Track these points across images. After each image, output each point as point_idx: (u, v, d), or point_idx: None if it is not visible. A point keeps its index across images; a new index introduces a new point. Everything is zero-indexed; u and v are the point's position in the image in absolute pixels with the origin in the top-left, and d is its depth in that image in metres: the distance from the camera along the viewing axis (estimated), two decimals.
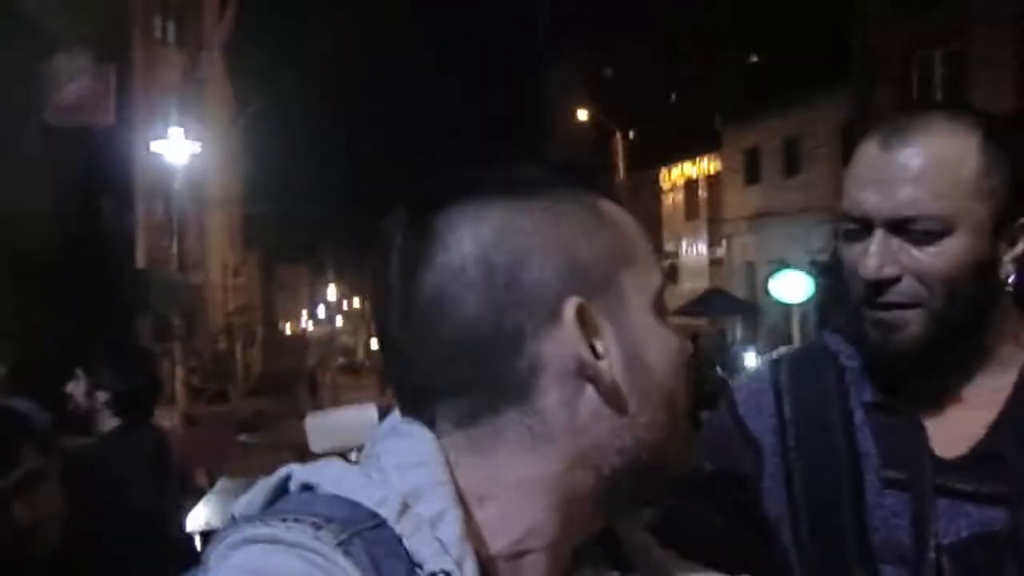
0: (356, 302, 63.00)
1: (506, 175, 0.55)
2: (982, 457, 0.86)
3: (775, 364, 0.99)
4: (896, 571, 0.86)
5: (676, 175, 24.12)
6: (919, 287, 0.84)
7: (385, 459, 0.52)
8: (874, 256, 0.84)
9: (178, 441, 3.63)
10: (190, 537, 3.64)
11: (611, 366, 0.52)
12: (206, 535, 3.85)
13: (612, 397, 0.52)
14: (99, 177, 11.22)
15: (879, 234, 0.85)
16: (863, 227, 0.86)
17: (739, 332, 19.04)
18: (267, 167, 29.67)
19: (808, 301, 15.24)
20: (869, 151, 0.87)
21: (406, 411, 0.54)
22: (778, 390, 0.95)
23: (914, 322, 0.85)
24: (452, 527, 0.49)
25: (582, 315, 0.51)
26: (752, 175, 19.46)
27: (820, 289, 14.67)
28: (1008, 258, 0.86)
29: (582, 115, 27.15)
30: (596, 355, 0.51)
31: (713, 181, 22.16)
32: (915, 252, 0.84)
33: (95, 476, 2.44)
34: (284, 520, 0.47)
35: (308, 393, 29.56)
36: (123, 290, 12.32)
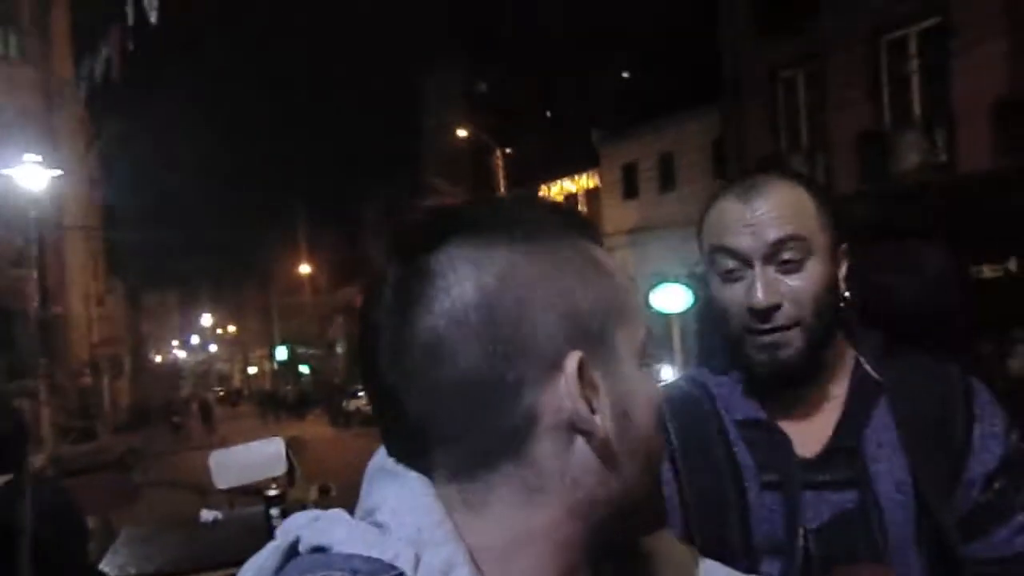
0: (232, 328, 60.42)
1: (502, 213, 0.54)
2: (833, 452, 1.02)
3: None
4: (772, 561, 1.00)
5: (556, 191, 24.59)
6: (795, 310, 1.00)
7: (383, 509, 0.51)
8: (761, 289, 1.00)
9: (72, 487, 3.38)
10: None
11: (603, 420, 0.52)
12: None
13: (603, 451, 0.52)
14: None
15: (759, 268, 1.00)
16: (742, 265, 1.01)
17: None
18: (130, 191, 28.06)
19: (687, 311, 16.09)
20: (730, 205, 1.03)
21: (397, 455, 0.53)
22: (663, 423, 1.06)
23: (796, 339, 1.00)
24: (464, 571, 0.49)
25: (582, 369, 0.51)
26: (630, 190, 20.03)
27: (697, 299, 15.45)
28: (841, 277, 1.04)
29: (461, 132, 27.31)
30: (592, 409, 0.51)
31: (592, 196, 22.72)
32: (788, 281, 1.00)
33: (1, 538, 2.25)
34: None
35: (200, 423, 28.08)
36: None
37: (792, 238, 1.00)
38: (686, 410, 1.09)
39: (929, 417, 1.02)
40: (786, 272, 1.00)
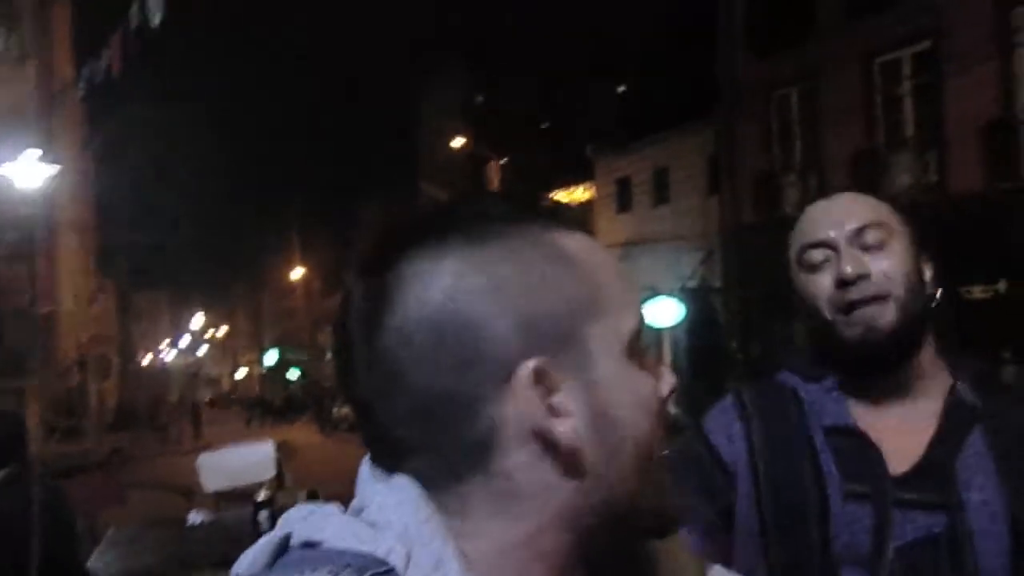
0: (222, 330, 60.23)
1: (456, 219, 0.52)
2: (924, 471, 1.00)
3: (739, 397, 1.13)
4: (852, 571, 0.99)
5: (550, 202, 24.55)
6: (885, 282, 1.02)
7: (370, 507, 0.51)
8: (847, 262, 1.03)
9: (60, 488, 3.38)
10: None
11: (573, 426, 0.50)
12: None
13: (572, 459, 0.50)
14: None
15: (843, 248, 1.05)
16: (827, 251, 1.06)
17: None
18: (123, 190, 27.99)
19: (678, 325, 16.07)
20: (816, 208, 1.11)
21: (379, 463, 0.53)
22: (746, 420, 1.10)
23: (888, 312, 1.02)
24: (452, 567, 0.48)
25: (539, 377, 0.49)
26: (624, 204, 20.06)
27: (689, 314, 15.45)
28: (928, 278, 1.07)
29: (456, 142, 27.36)
30: (560, 415, 0.50)
31: (586, 209, 22.80)
32: (872, 258, 1.04)
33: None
34: (302, 572, 0.47)
35: (186, 425, 27.91)
36: None
37: (874, 224, 1.05)
38: (771, 411, 1.09)
39: None
40: (871, 253, 1.04)
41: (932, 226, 1.19)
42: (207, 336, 60.91)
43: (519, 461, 0.50)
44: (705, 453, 1.10)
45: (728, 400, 1.14)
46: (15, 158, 14.01)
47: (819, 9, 12.67)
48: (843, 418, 1.05)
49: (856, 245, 1.04)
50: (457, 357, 0.49)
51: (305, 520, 0.51)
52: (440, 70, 31.89)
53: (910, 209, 1.11)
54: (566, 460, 0.50)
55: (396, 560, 0.48)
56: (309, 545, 0.50)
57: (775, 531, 1.03)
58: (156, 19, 7.55)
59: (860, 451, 1.02)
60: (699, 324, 15.42)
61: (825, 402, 1.07)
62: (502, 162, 25.79)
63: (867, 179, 11.32)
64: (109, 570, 3.80)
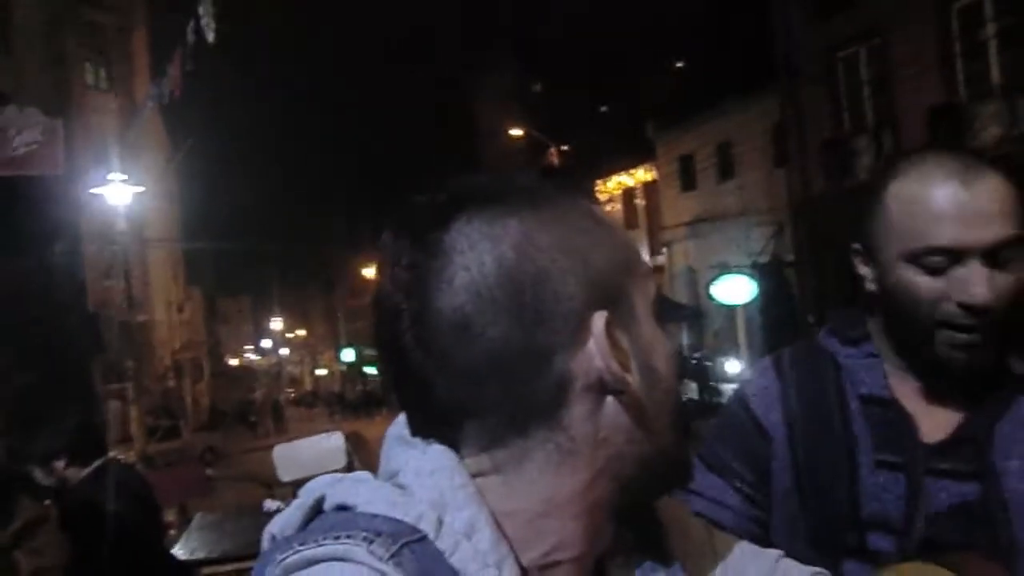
0: (301, 332, 62.10)
1: (505, 186, 0.54)
2: (958, 442, 0.99)
3: (778, 362, 1.13)
4: (882, 538, 0.99)
5: (612, 185, 24.30)
6: (1007, 307, 0.94)
7: (404, 472, 0.52)
8: (982, 284, 0.92)
9: (151, 480, 3.77)
10: (186, 566, 3.74)
11: (634, 377, 0.52)
12: (200, 563, 3.98)
13: (635, 408, 0.52)
14: (48, 225, 11.09)
15: (977, 263, 0.93)
16: (951, 259, 0.94)
17: (684, 338, 19.09)
18: (205, 203, 29.27)
19: (751, 303, 15.43)
20: (943, 195, 0.94)
21: (422, 432, 0.53)
22: (784, 385, 1.10)
23: (996, 338, 0.96)
24: (485, 533, 0.49)
25: (608, 328, 0.51)
26: (688, 181, 19.69)
27: (762, 290, 15.17)
28: None
29: (515, 131, 27.45)
30: (624, 365, 0.52)
31: (650, 189, 22.31)
32: (1001, 278, 0.93)
33: (93, 517, 2.42)
34: (337, 537, 0.47)
35: (271, 422, 29.13)
36: (77, 335, 12.11)
37: (1015, 238, 0.93)
38: (808, 375, 1.09)
39: None
40: (1000, 267, 0.94)
41: None
42: (288, 337, 62.91)
43: (583, 412, 0.51)
44: (745, 417, 1.11)
45: (768, 364, 1.14)
46: (105, 180, 14.93)
47: None
48: (878, 388, 1.03)
49: (989, 259, 0.93)
50: (533, 310, 0.50)
51: (336, 485, 0.52)
52: (493, 63, 32.01)
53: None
54: (629, 409, 0.52)
55: (427, 526, 0.48)
56: (343, 508, 0.50)
57: (807, 490, 1.04)
58: (211, 35, 7.88)
59: (894, 421, 1.01)
60: (772, 300, 15.04)
61: (861, 370, 1.05)
62: (563, 148, 25.78)
63: (948, 134, 10.58)
64: (193, 553, 4.10)
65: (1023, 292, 0.94)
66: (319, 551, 0.47)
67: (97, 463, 2.82)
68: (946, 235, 0.93)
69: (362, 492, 0.50)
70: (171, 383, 24.30)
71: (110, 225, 15.65)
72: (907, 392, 1.02)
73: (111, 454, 3.28)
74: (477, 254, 0.50)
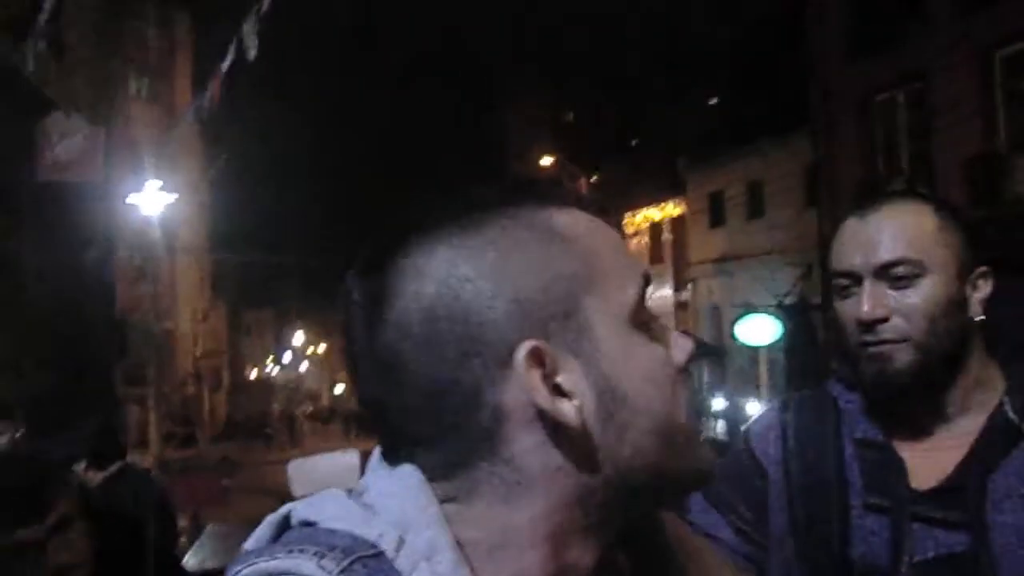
0: (321, 347, 62.43)
1: (450, 209, 0.53)
2: (950, 490, 0.99)
3: (783, 405, 1.17)
4: None
5: (640, 219, 24.37)
6: (904, 325, 1.00)
7: (370, 491, 0.52)
8: (866, 301, 1.01)
9: (168, 486, 3.78)
10: None
11: (578, 406, 0.50)
12: (211, 574, 3.97)
13: (579, 439, 0.50)
14: (84, 230, 11.30)
15: (867, 283, 1.02)
16: (853, 281, 1.04)
17: (706, 376, 18.91)
18: (234, 216, 29.69)
19: (775, 344, 15.22)
20: (849, 224, 1.06)
21: (388, 458, 0.54)
22: (784, 428, 1.13)
23: (903, 353, 1.00)
24: (446, 555, 0.48)
25: (538, 358, 0.49)
26: (717, 218, 19.58)
27: (787, 332, 14.97)
28: (976, 299, 1.03)
29: (545, 161, 27.59)
30: (564, 395, 0.50)
31: (677, 224, 22.32)
32: (898, 295, 1.01)
33: (111, 520, 2.54)
34: (290, 551, 0.48)
35: (287, 436, 29.24)
36: (104, 340, 12.27)
37: (903, 261, 1.00)
38: (809, 416, 1.12)
39: None
40: (898, 288, 1.01)
41: None
42: (308, 352, 63.24)
43: (526, 445, 0.50)
44: (746, 455, 1.14)
45: (774, 406, 1.18)
46: (141, 188, 15.22)
47: (927, 4, 11.80)
48: (873, 431, 1.06)
49: (883, 279, 1.01)
50: (456, 346, 0.49)
51: (306, 501, 0.53)
52: (526, 90, 32.27)
53: (964, 223, 1.05)
54: (573, 441, 0.50)
55: (386, 544, 0.48)
56: (306, 524, 0.51)
57: (802, 534, 1.06)
58: (252, 53, 8.00)
59: (885, 464, 1.03)
60: (797, 342, 14.84)
61: (859, 413, 1.08)
62: (592, 180, 25.84)
63: (985, 183, 10.58)
64: (204, 563, 4.13)
65: (930, 308, 1.00)
66: (271, 564, 0.48)
67: (115, 467, 2.84)
68: (844, 261, 1.05)
69: (327, 508, 0.51)
70: (190, 390, 24.49)
71: (143, 233, 15.92)
72: (903, 438, 1.04)
73: (128, 459, 3.30)
74: (402, 291, 0.51)
